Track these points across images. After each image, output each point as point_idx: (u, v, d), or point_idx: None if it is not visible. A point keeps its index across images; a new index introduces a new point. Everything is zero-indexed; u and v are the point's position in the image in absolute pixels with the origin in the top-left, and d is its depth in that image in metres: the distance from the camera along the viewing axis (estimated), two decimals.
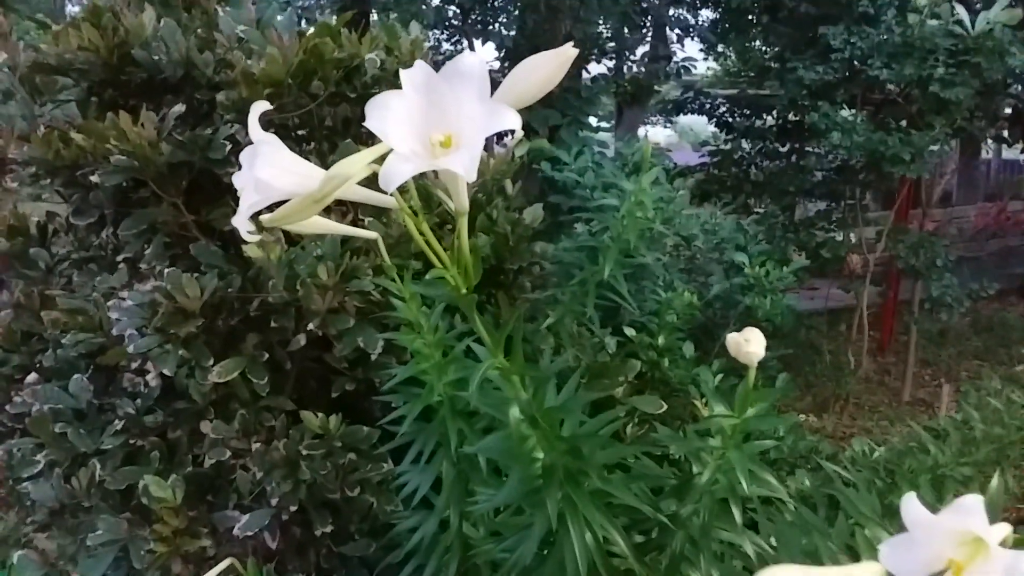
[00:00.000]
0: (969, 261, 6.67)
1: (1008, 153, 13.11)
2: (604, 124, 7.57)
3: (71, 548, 1.85)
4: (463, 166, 0.72)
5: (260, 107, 0.94)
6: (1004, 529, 0.82)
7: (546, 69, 0.80)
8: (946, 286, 4.17)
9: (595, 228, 2.18)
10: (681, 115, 7.22)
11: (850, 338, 5.05)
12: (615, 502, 1.31)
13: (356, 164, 0.80)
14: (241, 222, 0.91)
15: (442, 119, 0.75)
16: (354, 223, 1.72)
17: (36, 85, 1.99)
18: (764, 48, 6.10)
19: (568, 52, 0.80)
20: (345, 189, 0.85)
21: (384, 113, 0.75)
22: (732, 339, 0.97)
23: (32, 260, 2.12)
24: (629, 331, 2.59)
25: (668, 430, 1.37)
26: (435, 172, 0.86)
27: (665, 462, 1.65)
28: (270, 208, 0.89)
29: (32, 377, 1.91)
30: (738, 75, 7.02)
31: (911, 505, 0.82)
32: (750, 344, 0.95)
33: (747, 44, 6.46)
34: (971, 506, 0.79)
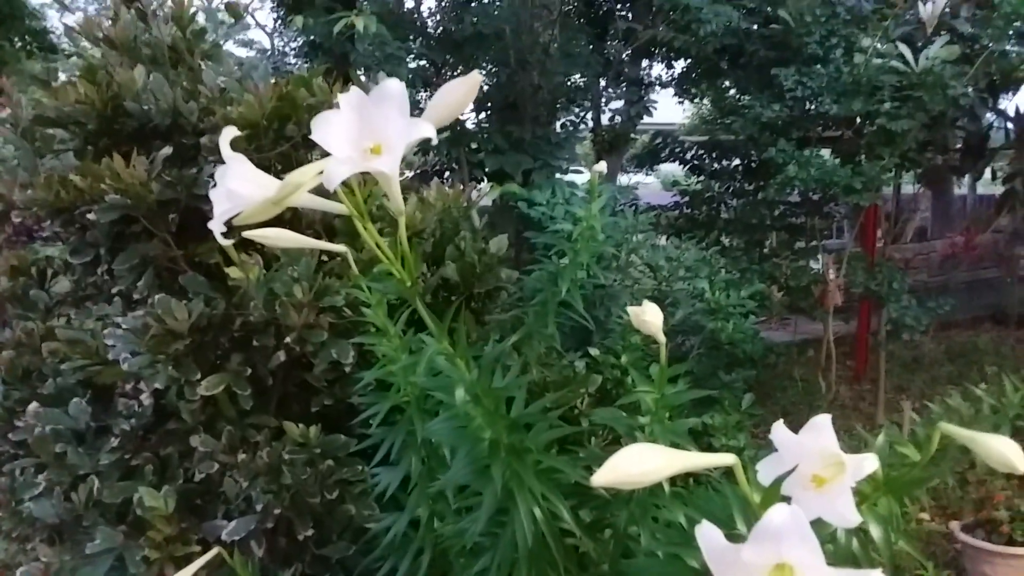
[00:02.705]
0: (937, 289, 6.88)
1: (984, 189, 13.46)
2: (582, 173, 7.83)
3: (70, 563, 1.97)
4: (388, 166, 0.91)
5: (230, 132, 1.14)
6: (872, 460, 0.99)
7: (458, 92, 0.99)
8: (905, 307, 4.37)
9: (552, 253, 2.36)
10: (656, 164, 7.51)
11: (821, 366, 5.21)
12: (562, 480, 1.46)
13: (306, 174, 0.99)
14: (216, 226, 1.09)
15: (372, 131, 0.93)
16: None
17: (36, 138, 2.18)
18: (736, 94, 6.40)
19: (474, 78, 0.99)
20: (298, 196, 1.04)
21: (326, 127, 0.94)
22: (632, 311, 1.14)
23: (32, 301, 2.29)
24: (594, 351, 2.77)
25: (607, 411, 1.53)
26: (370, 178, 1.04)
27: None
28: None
29: (33, 406, 2.06)
30: (713, 121, 7.32)
31: (779, 429, 0.99)
32: (646, 314, 1.12)
33: (719, 89, 6.75)
34: (821, 424, 0.96)
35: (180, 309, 1.77)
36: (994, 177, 7.89)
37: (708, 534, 0.71)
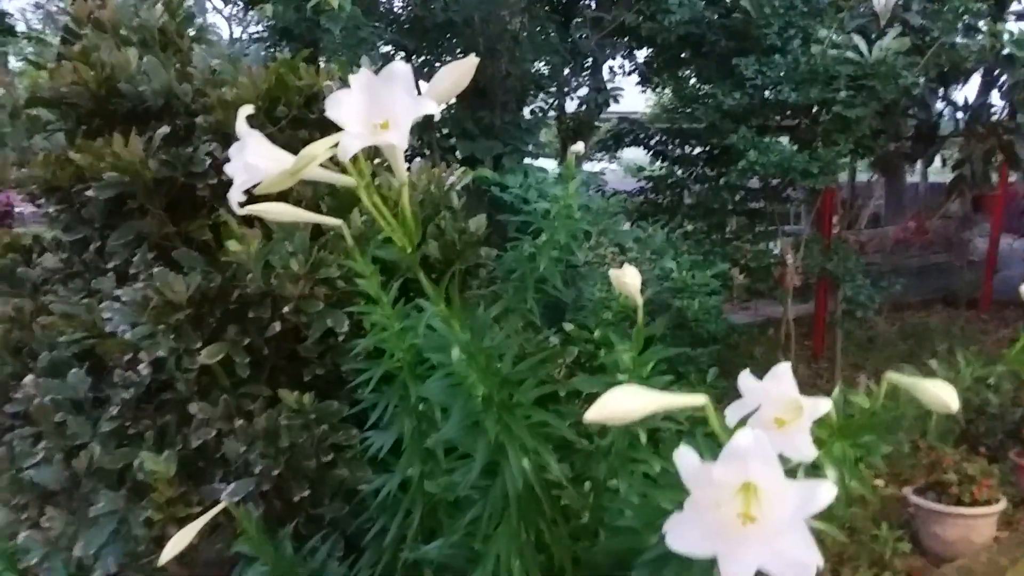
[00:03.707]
0: (890, 272, 7.15)
1: (935, 177, 13.88)
2: (549, 159, 7.95)
3: (71, 528, 2.05)
4: (397, 139, 1.02)
5: (246, 110, 1.24)
6: (826, 403, 1.12)
7: (458, 73, 1.10)
8: (859, 286, 4.57)
9: (530, 231, 2.47)
10: (620, 149, 7.64)
11: (781, 344, 5.41)
12: (549, 435, 1.58)
13: (320, 147, 1.10)
14: (235, 195, 1.19)
15: (380, 108, 1.04)
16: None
17: (25, 119, 2.24)
18: (698, 83, 6.56)
19: (471, 61, 1.10)
20: (311, 169, 1.15)
21: (339, 106, 1.05)
22: (613, 273, 1.26)
23: (19, 279, 2.34)
24: (568, 327, 2.90)
25: (586, 376, 1.65)
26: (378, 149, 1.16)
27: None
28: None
29: (30, 378, 2.12)
30: (674, 110, 7.47)
31: (744, 376, 1.13)
32: (626, 276, 1.24)
33: (679, 78, 6.91)
34: (782, 371, 1.09)
35: (179, 282, 1.85)
36: (943, 164, 8.18)
37: (685, 456, 0.83)
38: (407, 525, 1.90)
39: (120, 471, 2.00)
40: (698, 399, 0.94)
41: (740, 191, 5.44)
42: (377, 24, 4.78)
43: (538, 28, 5.38)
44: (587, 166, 10.37)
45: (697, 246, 4.74)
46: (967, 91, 5.81)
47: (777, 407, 1.06)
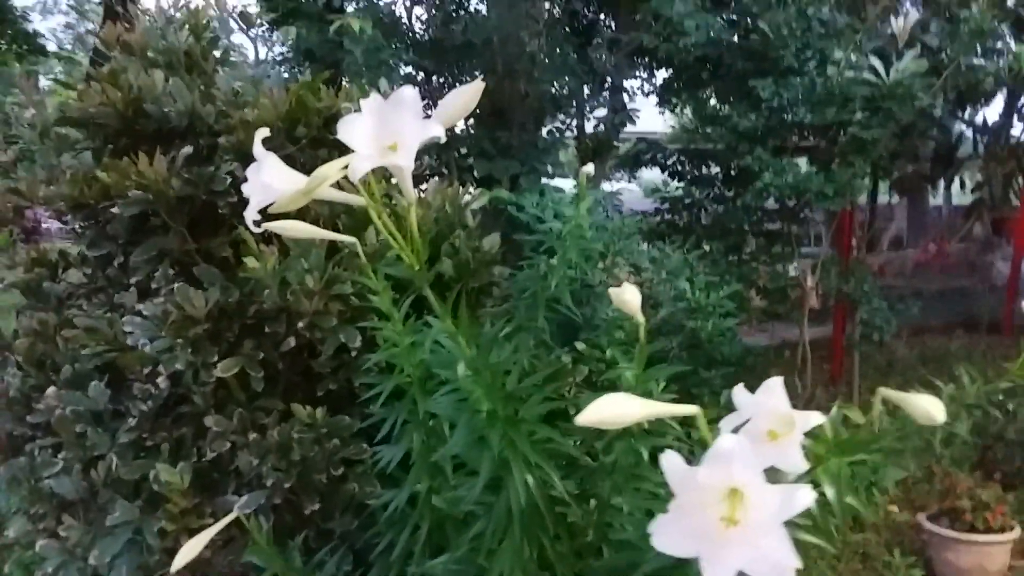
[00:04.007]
0: (909, 295, 7.11)
1: (959, 200, 13.79)
2: (567, 179, 8.01)
3: (87, 538, 2.10)
4: (404, 161, 1.06)
5: (263, 133, 1.29)
6: (816, 416, 1.15)
7: (465, 97, 1.15)
8: (875, 308, 4.56)
9: (542, 250, 2.51)
10: (638, 169, 7.69)
11: (797, 367, 5.39)
12: (553, 451, 1.61)
13: (332, 168, 1.15)
14: (251, 214, 1.24)
15: (389, 132, 1.09)
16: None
17: (54, 138, 2.31)
18: (717, 104, 6.60)
19: (477, 86, 1.15)
20: (323, 190, 1.19)
21: (351, 128, 1.10)
22: (612, 292, 1.30)
23: (45, 293, 2.41)
24: (580, 345, 2.92)
25: (592, 394, 1.68)
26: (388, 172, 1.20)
27: None
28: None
29: (52, 390, 2.18)
30: (695, 131, 7.51)
31: (738, 390, 1.15)
32: (625, 294, 1.27)
33: (699, 99, 6.95)
34: (774, 385, 1.12)
35: (198, 297, 1.90)
36: (962, 186, 8.14)
37: (671, 460, 0.86)
38: (415, 540, 1.93)
39: (136, 482, 2.04)
40: (690, 409, 0.97)
41: (757, 212, 5.45)
42: (398, 46, 4.87)
43: (557, 50, 5.45)
44: (606, 186, 10.42)
45: (713, 267, 4.75)
46: (990, 113, 5.81)
47: (770, 420, 1.09)
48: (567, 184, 5.40)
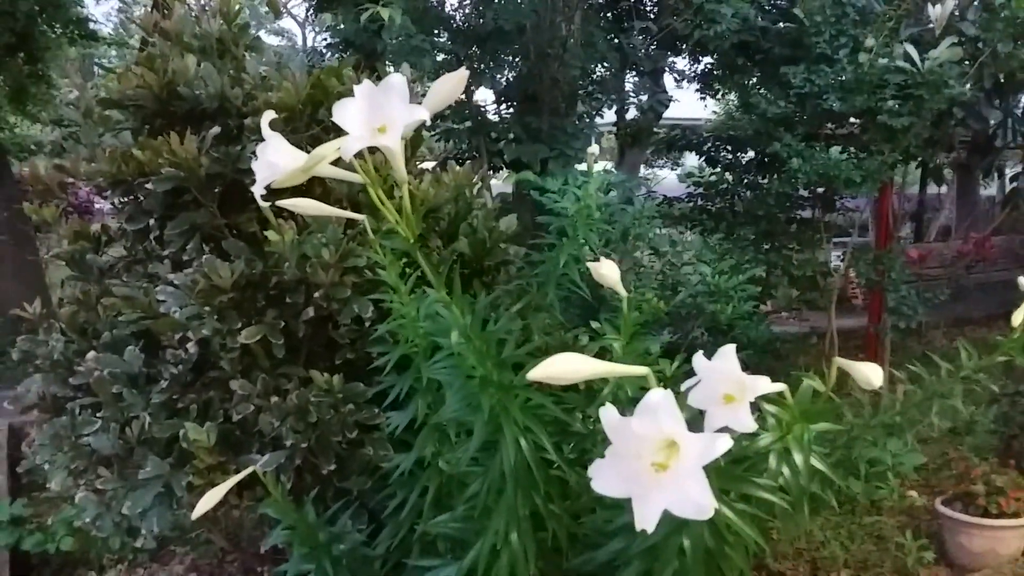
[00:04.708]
0: (951, 286, 7.01)
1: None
2: (608, 164, 8.04)
3: (121, 491, 2.26)
4: (392, 141, 1.17)
5: (269, 115, 1.41)
6: (765, 381, 1.23)
7: (449, 84, 1.25)
8: (903, 296, 4.56)
9: (551, 228, 2.60)
10: (671, 154, 7.69)
11: (826, 354, 5.40)
12: (546, 417, 1.71)
13: (327, 148, 1.26)
14: (258, 190, 1.36)
15: (379, 115, 1.20)
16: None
17: (95, 118, 2.47)
18: (760, 89, 6.57)
19: (462, 73, 1.24)
20: (322, 166, 1.31)
21: (344, 111, 1.21)
22: (591, 266, 1.39)
23: (88, 265, 2.57)
24: (595, 324, 3.01)
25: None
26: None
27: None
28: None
29: (92, 354, 2.34)
30: (734, 118, 7.48)
31: (698, 358, 1.24)
32: (603, 268, 1.36)
33: (742, 86, 6.92)
34: (728, 352, 1.20)
35: (224, 268, 2.04)
36: (999, 176, 7.97)
37: (608, 414, 0.96)
38: (423, 501, 2.05)
39: (167, 440, 2.20)
40: (640, 370, 1.06)
41: (788, 199, 5.45)
42: (431, 33, 4.97)
43: (590, 35, 5.50)
44: (645, 172, 10.39)
45: (742, 253, 4.79)
46: None
47: (725, 384, 1.17)
48: (597, 168, 5.45)
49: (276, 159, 1.29)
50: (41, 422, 2.47)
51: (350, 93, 2.28)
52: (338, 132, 2.39)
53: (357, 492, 2.21)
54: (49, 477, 2.42)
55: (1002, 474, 3.31)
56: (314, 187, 2.18)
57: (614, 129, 8.22)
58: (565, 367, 0.99)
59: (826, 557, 3.30)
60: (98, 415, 2.28)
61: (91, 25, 9.70)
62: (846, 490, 2.12)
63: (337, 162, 1.33)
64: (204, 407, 2.21)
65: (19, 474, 3.77)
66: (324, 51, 7.02)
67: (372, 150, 1.33)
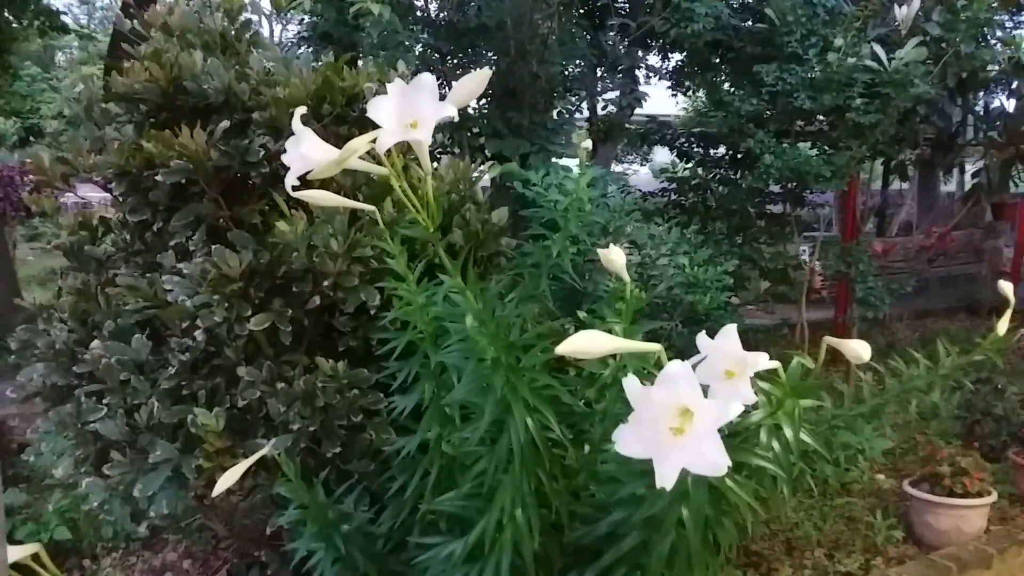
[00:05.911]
0: (912, 278, 7.26)
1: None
2: (575, 158, 8.10)
3: (128, 476, 2.31)
4: (423, 136, 1.27)
5: (300, 110, 1.49)
6: (764, 358, 1.34)
7: (472, 83, 1.35)
8: (870, 288, 4.74)
9: (542, 222, 2.69)
10: (644, 147, 7.82)
11: (795, 345, 5.57)
12: (550, 396, 1.81)
13: (361, 142, 1.35)
14: (291, 180, 1.44)
15: (410, 111, 1.30)
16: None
17: (96, 112, 2.51)
18: (730, 87, 6.73)
19: (484, 73, 1.35)
20: (353, 160, 1.39)
21: (378, 108, 1.30)
22: (601, 252, 1.49)
23: (86, 256, 2.62)
24: (582, 314, 3.12)
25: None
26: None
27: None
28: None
29: (97, 342, 2.39)
30: (707, 114, 7.65)
31: (701, 336, 1.35)
32: (612, 254, 1.46)
33: (712, 83, 7.07)
34: (730, 331, 1.31)
35: (233, 257, 2.11)
36: (961, 172, 8.25)
37: (630, 383, 1.07)
38: (425, 484, 2.14)
39: (175, 426, 2.26)
40: (654, 346, 1.16)
41: (760, 194, 5.62)
42: (413, 28, 5.03)
43: (569, 32, 5.59)
44: (616, 168, 10.53)
45: (716, 246, 4.93)
46: (987, 99, 5.93)
47: (727, 361, 1.28)
48: (575, 163, 5.55)
49: (310, 152, 1.37)
50: (45, 410, 2.52)
51: (352, 89, 2.37)
52: (339, 125, 2.47)
53: (359, 475, 2.30)
54: (53, 465, 2.47)
55: (966, 456, 3.48)
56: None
57: (586, 124, 8.33)
58: (589, 342, 1.09)
59: (800, 537, 3.45)
60: (104, 402, 2.33)
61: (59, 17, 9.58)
62: (820, 473, 2.25)
63: None
64: (211, 393, 2.28)
65: (6, 465, 3.79)
66: (296, 44, 7.03)
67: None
